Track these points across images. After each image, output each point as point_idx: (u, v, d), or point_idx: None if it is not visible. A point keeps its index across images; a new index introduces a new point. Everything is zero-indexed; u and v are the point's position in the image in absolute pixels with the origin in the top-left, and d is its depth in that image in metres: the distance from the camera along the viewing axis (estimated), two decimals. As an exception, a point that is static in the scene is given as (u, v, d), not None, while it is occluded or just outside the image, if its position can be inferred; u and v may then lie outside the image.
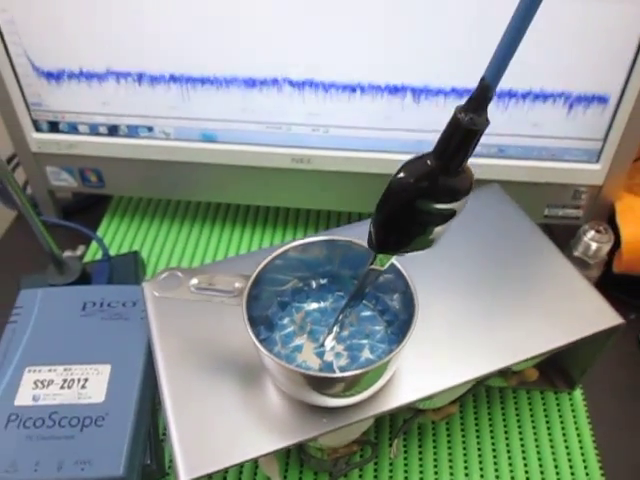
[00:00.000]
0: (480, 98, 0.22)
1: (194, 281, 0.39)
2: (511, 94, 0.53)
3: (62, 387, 0.46)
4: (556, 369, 0.54)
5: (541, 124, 0.55)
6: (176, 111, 0.58)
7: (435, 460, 0.50)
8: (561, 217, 0.62)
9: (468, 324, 0.45)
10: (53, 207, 0.70)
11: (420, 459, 0.50)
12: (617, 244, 0.58)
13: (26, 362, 0.48)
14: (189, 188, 0.65)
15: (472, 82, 0.52)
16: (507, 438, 0.51)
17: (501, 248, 0.50)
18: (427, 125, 0.56)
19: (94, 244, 0.68)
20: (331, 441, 0.44)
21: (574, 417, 0.53)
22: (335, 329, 0.39)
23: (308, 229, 0.71)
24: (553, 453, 0.51)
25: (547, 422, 0.53)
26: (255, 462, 0.49)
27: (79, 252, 0.66)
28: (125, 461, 0.42)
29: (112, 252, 0.66)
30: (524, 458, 0.50)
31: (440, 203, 0.26)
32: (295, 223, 0.71)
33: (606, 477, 0.49)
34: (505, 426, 0.52)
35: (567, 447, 0.51)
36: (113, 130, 0.61)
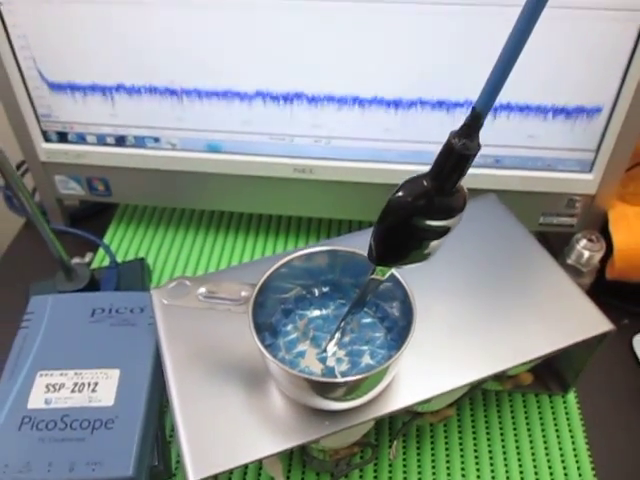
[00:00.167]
0: (472, 125, 0.24)
1: (202, 289, 0.40)
2: (507, 107, 0.54)
3: (73, 391, 0.47)
4: (550, 373, 0.54)
5: (536, 135, 0.56)
6: (182, 123, 0.59)
7: (433, 461, 0.51)
8: (556, 225, 0.63)
9: (465, 330, 0.46)
10: (61, 214, 0.71)
11: (418, 460, 0.51)
12: (610, 251, 0.58)
13: (38, 366, 0.49)
14: (194, 197, 0.66)
15: (467, 95, 0.54)
16: (503, 440, 0.52)
17: (497, 256, 0.51)
18: (425, 137, 0.57)
19: (101, 251, 0.69)
20: (333, 443, 0.45)
21: (568, 420, 0.54)
22: (337, 335, 0.40)
23: (309, 237, 0.71)
24: (547, 455, 0.51)
25: (542, 424, 0.53)
26: (259, 463, 0.50)
27: (87, 259, 0.67)
28: (134, 462, 0.43)
29: (118, 259, 0.67)
30: (519, 460, 0.51)
31: (435, 220, 0.27)
32: (297, 231, 0.72)
33: (598, 478, 0.50)
34: (501, 428, 0.53)
35: (561, 449, 0.52)
36: (120, 140, 0.62)
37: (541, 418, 0.54)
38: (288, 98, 0.56)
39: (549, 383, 0.55)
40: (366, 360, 0.41)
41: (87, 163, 0.64)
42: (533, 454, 0.51)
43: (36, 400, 0.47)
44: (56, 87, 0.59)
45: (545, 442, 0.52)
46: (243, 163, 0.61)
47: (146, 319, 0.52)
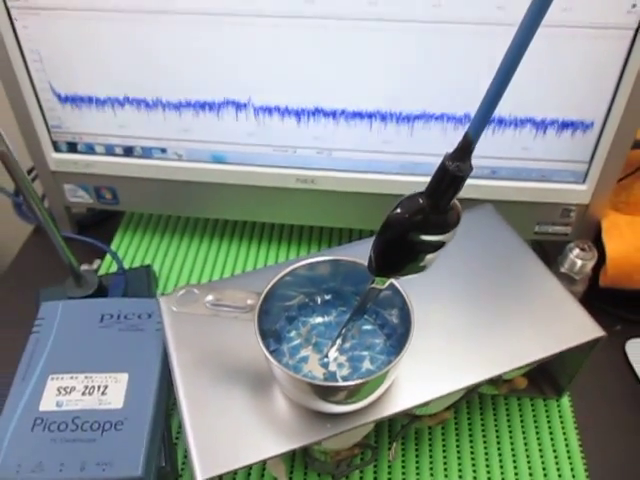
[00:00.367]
0: (464, 149, 0.26)
1: (209, 297, 0.42)
2: (503, 121, 0.56)
3: (83, 394, 0.48)
4: (545, 377, 0.56)
5: (531, 148, 0.58)
6: (188, 134, 0.61)
7: (431, 463, 0.52)
8: (551, 234, 0.64)
9: (461, 336, 0.47)
10: (69, 222, 0.72)
11: (417, 462, 0.52)
12: (603, 259, 0.60)
13: (49, 370, 0.50)
14: (199, 206, 0.68)
15: (463, 110, 0.56)
16: (499, 442, 0.53)
17: (492, 265, 0.52)
18: (422, 149, 0.58)
19: (108, 257, 0.70)
20: (334, 444, 0.46)
21: (562, 423, 0.55)
22: (338, 342, 0.42)
23: (311, 245, 0.72)
24: (542, 457, 0.52)
25: (536, 428, 0.54)
26: (263, 464, 0.51)
27: (95, 266, 0.68)
28: (143, 463, 0.44)
29: (124, 265, 0.68)
30: (514, 461, 0.52)
31: (431, 235, 0.29)
32: (299, 239, 0.73)
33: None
34: (497, 431, 0.54)
35: (555, 451, 0.53)
36: (128, 151, 0.63)
37: (536, 421, 0.55)
38: (292, 112, 0.57)
39: (544, 387, 0.56)
40: (366, 365, 0.42)
41: (96, 172, 0.65)
42: (528, 456, 0.53)
43: (48, 402, 0.48)
44: (66, 99, 0.60)
45: (540, 445, 0.53)
46: (247, 173, 0.62)
47: (153, 325, 0.53)
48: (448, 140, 0.57)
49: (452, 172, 0.26)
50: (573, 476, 0.51)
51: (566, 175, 0.60)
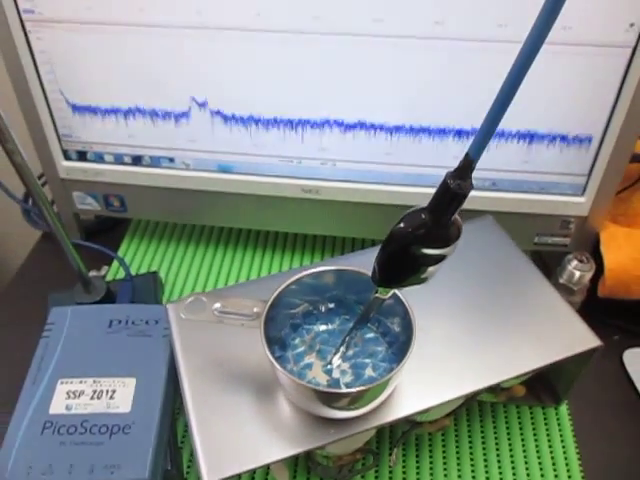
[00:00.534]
0: (465, 168, 0.27)
1: (217, 305, 0.43)
2: (503, 134, 0.57)
3: (92, 398, 0.49)
4: (543, 386, 0.56)
5: (531, 161, 0.59)
6: (195, 144, 0.62)
7: (431, 469, 0.53)
8: (550, 245, 0.65)
9: (461, 345, 0.48)
10: (77, 228, 0.73)
11: (417, 467, 0.53)
12: (601, 270, 0.61)
13: (59, 374, 0.50)
14: (205, 214, 0.69)
15: (463, 125, 0.57)
16: (497, 449, 0.54)
17: (492, 275, 0.53)
18: (424, 161, 0.59)
19: (115, 264, 0.71)
20: (337, 449, 0.47)
21: (560, 430, 0.55)
22: (342, 349, 0.42)
23: (315, 254, 0.73)
24: (540, 464, 0.53)
25: (535, 435, 0.55)
26: (267, 468, 0.52)
27: (103, 272, 0.69)
28: (150, 466, 0.45)
29: (132, 272, 0.69)
30: (513, 468, 0.53)
31: (432, 249, 0.30)
32: (302, 248, 0.74)
33: (588, 486, 0.52)
34: (496, 438, 0.55)
35: (553, 458, 0.53)
36: (137, 160, 0.65)
37: (534, 429, 0.56)
38: (297, 124, 0.58)
39: (542, 396, 0.57)
40: (369, 372, 0.43)
41: (105, 181, 0.66)
42: (526, 463, 0.53)
43: (57, 406, 0.48)
44: (78, 109, 0.62)
45: (538, 452, 0.54)
46: (253, 183, 0.64)
47: (161, 331, 0.54)
48: (450, 152, 0.58)
49: (453, 190, 0.27)
50: (570, 483, 0.52)
51: (565, 188, 0.61)
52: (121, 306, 0.61)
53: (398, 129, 0.58)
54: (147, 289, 0.66)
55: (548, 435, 0.56)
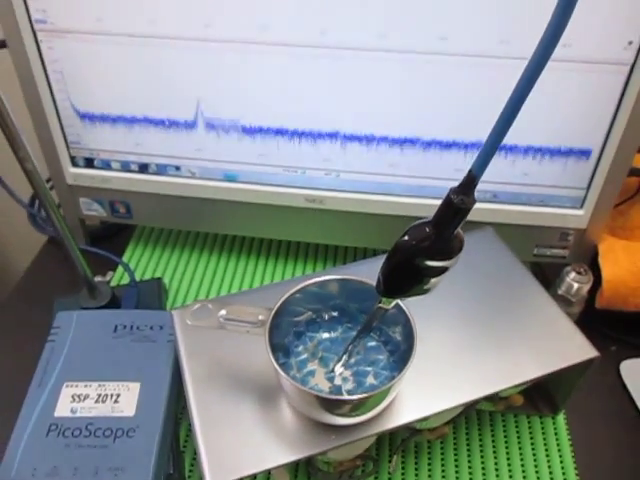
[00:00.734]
0: (468, 184, 0.28)
1: (222, 312, 0.43)
2: (504, 148, 0.58)
3: (97, 401, 0.49)
4: (541, 395, 0.57)
5: (531, 174, 0.60)
6: (201, 153, 0.63)
7: (429, 476, 0.53)
8: (549, 256, 0.66)
9: (461, 354, 0.48)
10: (82, 234, 0.74)
11: (416, 474, 0.53)
12: (599, 282, 0.61)
13: (64, 378, 0.51)
14: (210, 221, 0.70)
15: (464, 138, 0.57)
16: (495, 457, 0.55)
17: (492, 286, 0.54)
18: (427, 173, 0.60)
19: (120, 269, 0.72)
20: (338, 455, 0.48)
21: (557, 440, 0.56)
22: (344, 357, 0.43)
23: (317, 262, 0.74)
24: (537, 472, 0.54)
25: (532, 444, 0.56)
26: (268, 473, 0.52)
27: (108, 277, 0.70)
28: (153, 469, 0.45)
29: (136, 278, 0.70)
30: (510, 476, 0.53)
31: (435, 261, 0.31)
32: (305, 256, 0.75)
33: (584, 495, 0.52)
34: (494, 446, 0.55)
35: (550, 467, 0.54)
36: (143, 168, 0.66)
37: (532, 438, 0.56)
38: (302, 135, 0.59)
39: (540, 405, 0.57)
40: (370, 380, 0.44)
41: (111, 187, 0.67)
42: (524, 471, 0.54)
43: (62, 409, 0.49)
44: (86, 117, 0.63)
45: (535, 460, 0.55)
46: (258, 192, 0.64)
47: (165, 336, 0.55)
48: (453, 165, 0.59)
49: (456, 205, 0.28)
50: (567, 491, 0.53)
51: (564, 200, 0.62)
52: (126, 311, 0.61)
53: (402, 141, 0.59)
54: (151, 295, 0.66)
55: (545, 444, 0.56)
